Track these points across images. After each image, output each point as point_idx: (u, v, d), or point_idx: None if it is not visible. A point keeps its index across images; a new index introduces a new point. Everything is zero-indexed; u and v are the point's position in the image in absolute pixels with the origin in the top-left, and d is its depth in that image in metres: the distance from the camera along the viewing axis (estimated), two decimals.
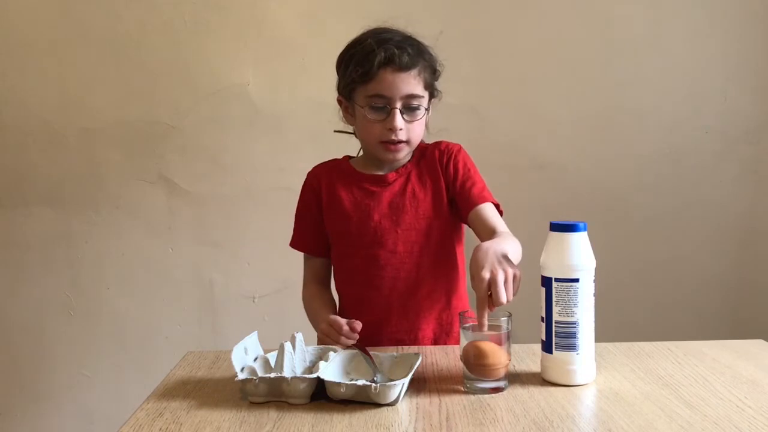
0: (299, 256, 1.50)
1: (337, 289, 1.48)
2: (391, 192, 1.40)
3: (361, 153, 1.47)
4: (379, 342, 1.34)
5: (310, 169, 1.50)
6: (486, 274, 1.04)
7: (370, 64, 1.31)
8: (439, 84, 1.43)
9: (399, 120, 1.32)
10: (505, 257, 1.10)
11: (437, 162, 1.40)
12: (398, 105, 1.32)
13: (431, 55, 1.39)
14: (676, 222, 2.13)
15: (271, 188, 2.07)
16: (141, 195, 2.07)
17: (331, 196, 1.42)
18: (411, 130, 1.35)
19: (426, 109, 1.38)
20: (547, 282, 1.07)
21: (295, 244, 1.48)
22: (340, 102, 1.44)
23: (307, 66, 2.05)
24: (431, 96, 1.40)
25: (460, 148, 1.44)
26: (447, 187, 1.40)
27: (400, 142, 1.34)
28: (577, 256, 1.06)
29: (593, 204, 2.10)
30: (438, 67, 1.40)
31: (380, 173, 1.41)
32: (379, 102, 1.33)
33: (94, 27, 2.03)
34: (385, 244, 1.37)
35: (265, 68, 2.06)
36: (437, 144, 1.44)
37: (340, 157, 1.51)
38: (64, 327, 2.08)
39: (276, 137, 2.07)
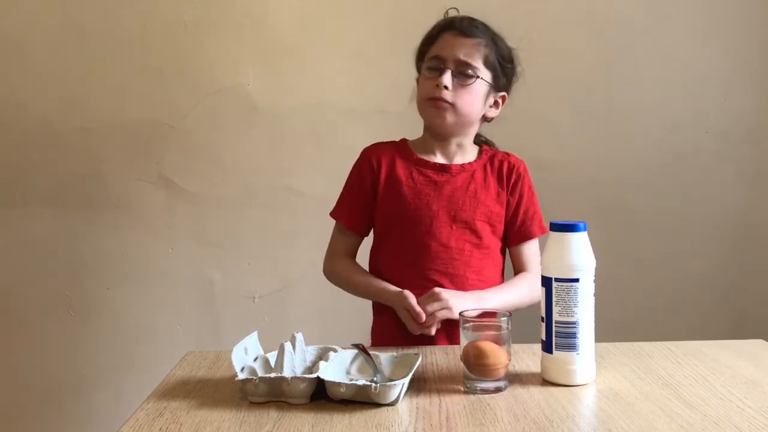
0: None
1: (376, 268, 1.45)
2: (453, 185, 1.39)
3: (421, 136, 1.47)
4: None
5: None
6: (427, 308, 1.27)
7: (436, 28, 1.39)
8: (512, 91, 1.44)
9: (447, 78, 1.34)
10: (448, 309, 1.27)
11: (504, 174, 1.42)
12: (451, 66, 1.35)
13: (503, 41, 1.43)
14: (676, 222, 2.13)
15: (271, 188, 2.07)
16: (141, 195, 2.07)
17: (391, 176, 1.41)
18: (459, 96, 1.36)
19: (483, 80, 1.38)
20: (547, 282, 1.07)
21: (338, 215, 1.46)
22: (417, 81, 1.46)
23: (307, 66, 2.05)
24: (497, 84, 1.42)
25: (526, 169, 1.46)
26: (508, 205, 1.41)
27: (445, 101, 1.35)
28: (577, 256, 1.06)
29: (593, 204, 2.10)
30: (513, 62, 1.44)
31: (444, 162, 1.41)
32: (435, 63, 1.37)
33: (94, 27, 2.03)
34: (439, 237, 1.37)
35: (265, 68, 2.06)
36: (507, 155, 1.46)
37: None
38: (64, 327, 2.08)
39: (276, 137, 2.07)
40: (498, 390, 1.04)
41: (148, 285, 2.09)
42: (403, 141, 1.48)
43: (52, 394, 2.10)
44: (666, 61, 2.10)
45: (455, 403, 1.00)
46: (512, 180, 1.41)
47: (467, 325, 1.07)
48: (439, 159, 1.42)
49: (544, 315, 1.08)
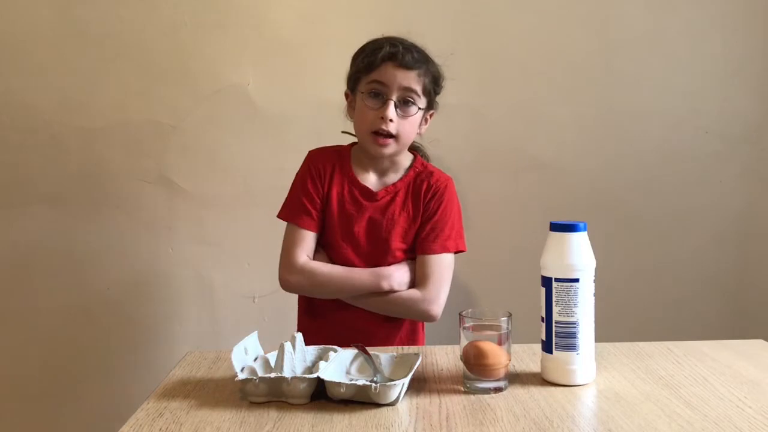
0: None
1: None
2: (375, 208, 1.49)
3: (359, 147, 1.53)
4: (334, 337, 1.38)
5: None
6: None
7: (376, 55, 1.43)
8: (441, 94, 1.49)
9: (391, 110, 1.42)
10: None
11: (422, 193, 1.50)
12: (394, 97, 1.42)
13: (436, 67, 1.50)
14: (675, 222, 2.13)
15: (271, 188, 2.06)
16: (141, 195, 2.07)
17: (330, 188, 1.50)
18: (401, 126, 1.43)
19: (420, 109, 1.46)
20: (547, 282, 1.07)
21: (298, 219, 1.49)
22: (347, 96, 1.53)
23: (307, 66, 2.05)
24: (429, 105, 1.50)
25: (446, 187, 1.52)
26: (421, 220, 1.50)
27: (389, 136, 1.43)
28: (577, 256, 1.06)
29: (593, 204, 2.10)
30: (441, 82, 1.51)
31: (373, 184, 1.51)
32: (377, 88, 1.43)
33: (94, 27, 2.03)
34: (360, 254, 1.48)
35: (265, 68, 2.06)
36: (429, 174, 1.52)
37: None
38: (63, 327, 2.08)
39: (276, 137, 2.07)
40: (498, 390, 1.05)
41: (147, 285, 2.09)
42: (347, 151, 1.56)
43: (52, 393, 2.10)
44: (666, 61, 2.10)
45: (455, 403, 1.00)
46: (428, 198, 1.50)
47: (467, 325, 1.07)
48: (370, 177, 1.52)
49: (544, 315, 1.08)
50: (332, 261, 1.50)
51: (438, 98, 1.53)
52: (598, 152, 2.11)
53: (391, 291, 1.44)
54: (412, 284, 1.47)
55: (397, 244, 1.48)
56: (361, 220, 1.48)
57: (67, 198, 2.05)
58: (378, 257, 1.48)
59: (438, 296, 1.45)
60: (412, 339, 1.55)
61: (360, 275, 1.45)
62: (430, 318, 1.46)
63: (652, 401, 0.99)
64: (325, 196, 1.50)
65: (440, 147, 2.07)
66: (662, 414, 0.94)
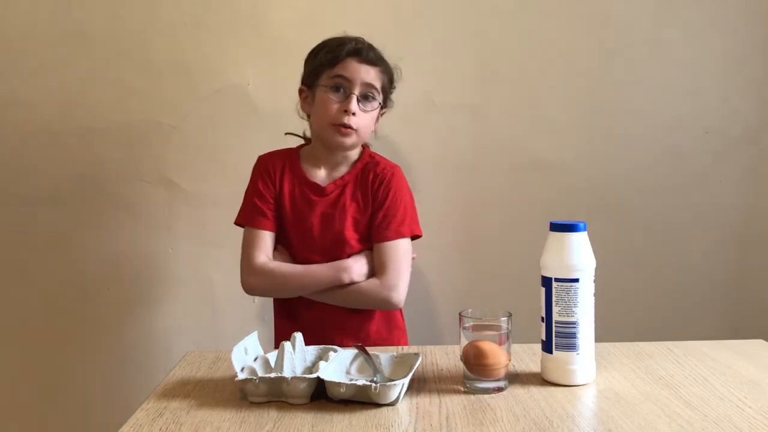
0: None
1: None
2: (325, 203, 1.52)
3: (311, 145, 1.59)
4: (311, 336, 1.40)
5: None
6: None
7: (340, 50, 1.47)
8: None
9: (354, 104, 1.46)
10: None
11: (370, 183, 1.53)
12: (356, 91, 1.46)
13: (391, 67, 1.55)
14: (675, 222, 2.13)
15: None
16: (141, 195, 2.07)
17: (281, 188, 1.53)
18: (361, 120, 1.47)
19: (380, 104, 1.51)
20: (547, 282, 1.07)
21: (261, 224, 1.52)
22: (301, 92, 1.57)
23: None
24: (384, 103, 1.55)
25: (393, 175, 1.55)
26: (371, 211, 1.52)
27: (351, 128, 1.46)
28: (577, 256, 1.06)
29: (593, 204, 2.10)
30: (393, 80, 1.55)
31: (324, 176, 1.54)
32: (340, 82, 1.47)
33: (94, 27, 2.03)
34: (317, 251, 1.50)
35: (265, 68, 2.06)
36: (375, 164, 1.55)
37: None
38: (64, 327, 2.08)
39: (276, 137, 2.07)
40: (498, 390, 1.05)
41: (148, 285, 2.09)
42: (296, 152, 1.59)
43: (52, 393, 2.10)
44: (666, 61, 2.10)
45: (455, 403, 1.00)
46: (375, 186, 1.52)
47: (467, 325, 1.07)
48: (321, 173, 1.55)
49: (544, 315, 1.08)
50: (293, 260, 1.52)
51: (392, 96, 1.58)
52: (598, 152, 2.11)
53: (352, 283, 1.45)
54: (372, 274, 1.48)
55: (351, 234, 1.50)
56: (314, 216, 1.51)
57: (67, 198, 2.05)
58: (335, 251, 1.49)
59: (398, 283, 1.46)
60: (390, 327, 1.56)
61: (319, 270, 1.46)
62: (391, 306, 1.47)
63: (652, 401, 0.99)
64: (277, 196, 1.53)
65: (440, 147, 2.08)
66: (662, 414, 0.94)
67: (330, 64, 1.47)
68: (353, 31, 1.55)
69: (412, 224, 1.53)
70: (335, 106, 1.46)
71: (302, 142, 1.65)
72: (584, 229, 1.07)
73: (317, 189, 1.53)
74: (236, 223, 1.56)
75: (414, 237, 1.53)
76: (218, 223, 2.08)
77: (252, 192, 1.55)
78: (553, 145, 2.10)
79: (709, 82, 2.11)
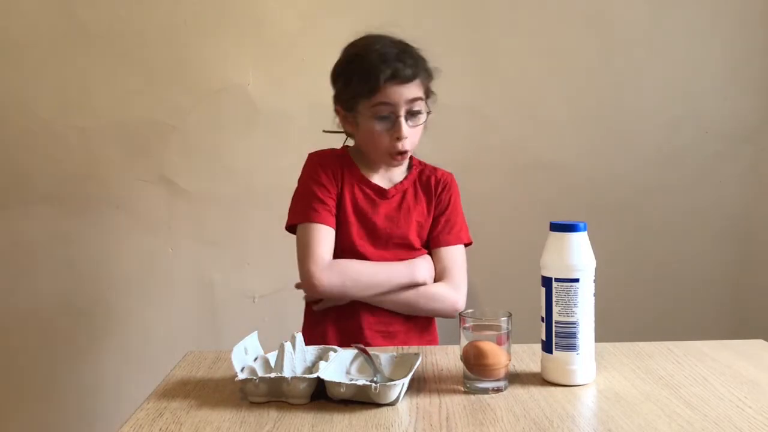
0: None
1: None
2: (388, 206, 1.48)
3: (359, 150, 1.52)
4: (357, 336, 1.41)
5: None
6: None
7: (376, 78, 1.36)
8: (437, 85, 1.48)
9: (405, 128, 1.39)
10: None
11: (433, 187, 1.51)
12: (402, 112, 1.39)
13: (425, 60, 1.46)
14: (675, 222, 2.13)
15: (271, 188, 2.07)
16: (141, 195, 2.07)
17: (342, 188, 1.47)
18: (412, 137, 1.42)
19: (428, 112, 1.45)
20: (547, 282, 1.07)
21: (324, 219, 1.42)
22: (338, 111, 1.49)
23: (307, 66, 2.05)
24: (427, 97, 1.47)
25: (452, 180, 1.54)
26: (434, 214, 1.50)
27: (406, 152, 1.42)
28: (577, 256, 1.06)
29: (593, 204, 2.10)
30: (432, 75, 1.47)
31: (383, 183, 1.50)
32: (384, 110, 1.38)
33: (94, 27, 2.03)
34: (381, 252, 1.45)
35: (265, 68, 2.06)
36: (434, 170, 1.54)
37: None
38: (64, 327, 2.08)
39: (276, 137, 2.07)
40: (498, 390, 1.04)
41: (148, 285, 2.09)
42: (345, 152, 1.53)
43: (52, 393, 2.10)
44: (666, 61, 2.10)
45: (455, 403, 1.00)
46: (439, 191, 1.51)
47: (467, 325, 1.07)
48: (378, 176, 1.50)
49: (544, 315, 1.08)
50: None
51: (435, 91, 1.50)
52: (598, 152, 2.11)
53: (423, 283, 1.43)
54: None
55: (414, 237, 1.47)
56: (378, 217, 1.46)
57: (67, 198, 2.05)
58: (399, 253, 1.45)
59: (461, 287, 1.45)
60: (429, 332, 1.53)
61: (395, 267, 1.42)
62: (456, 310, 1.40)
63: (652, 401, 0.99)
64: (339, 196, 1.45)
65: (440, 147, 2.07)
66: (662, 414, 0.94)
67: (368, 93, 1.37)
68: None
69: (467, 231, 1.53)
70: (385, 137, 1.39)
71: (341, 138, 1.58)
72: (584, 229, 1.07)
73: (380, 191, 1.48)
74: (290, 223, 1.46)
75: (467, 244, 1.52)
76: (218, 223, 2.09)
77: (312, 188, 1.44)
78: (553, 145, 2.10)
79: (709, 82, 2.11)
